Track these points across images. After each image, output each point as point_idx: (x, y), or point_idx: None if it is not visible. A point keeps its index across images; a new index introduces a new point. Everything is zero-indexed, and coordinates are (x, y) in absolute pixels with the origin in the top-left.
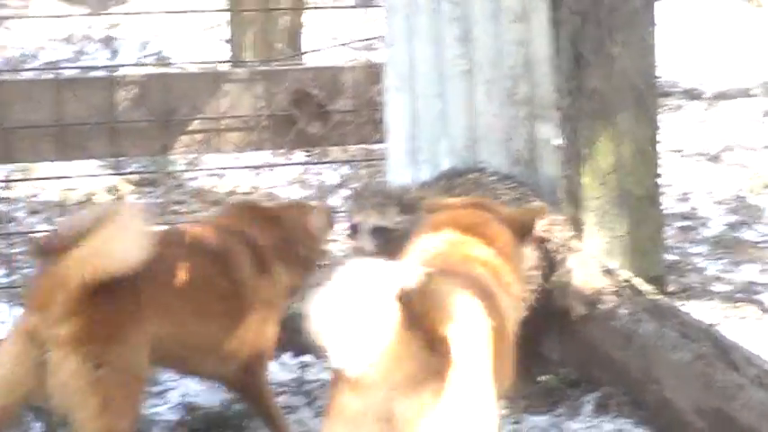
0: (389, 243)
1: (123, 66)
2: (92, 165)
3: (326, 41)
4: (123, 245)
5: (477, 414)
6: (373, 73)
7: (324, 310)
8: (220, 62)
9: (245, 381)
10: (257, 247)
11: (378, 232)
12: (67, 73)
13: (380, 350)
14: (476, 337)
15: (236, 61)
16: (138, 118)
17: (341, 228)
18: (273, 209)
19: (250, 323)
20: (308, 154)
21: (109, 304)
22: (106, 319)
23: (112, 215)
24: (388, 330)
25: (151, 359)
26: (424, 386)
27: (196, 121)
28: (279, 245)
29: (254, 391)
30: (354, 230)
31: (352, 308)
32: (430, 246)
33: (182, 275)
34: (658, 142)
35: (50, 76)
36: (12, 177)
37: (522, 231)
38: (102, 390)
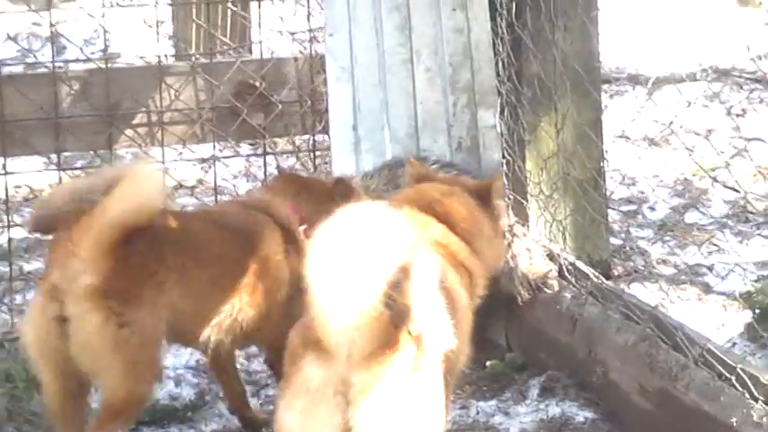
0: None
1: (66, 61)
2: (37, 161)
3: (270, 34)
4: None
5: (428, 392)
6: (316, 63)
7: (327, 252)
8: (164, 56)
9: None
10: (286, 225)
11: None
12: (12, 70)
13: (365, 311)
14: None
15: (179, 54)
16: (81, 113)
17: None
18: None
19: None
20: (253, 146)
21: (132, 265)
22: (129, 277)
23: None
24: (375, 293)
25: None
26: (382, 360)
27: (139, 115)
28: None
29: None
30: None
31: (355, 256)
32: None
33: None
34: (602, 127)
35: None
36: None
37: (483, 197)
38: (125, 352)
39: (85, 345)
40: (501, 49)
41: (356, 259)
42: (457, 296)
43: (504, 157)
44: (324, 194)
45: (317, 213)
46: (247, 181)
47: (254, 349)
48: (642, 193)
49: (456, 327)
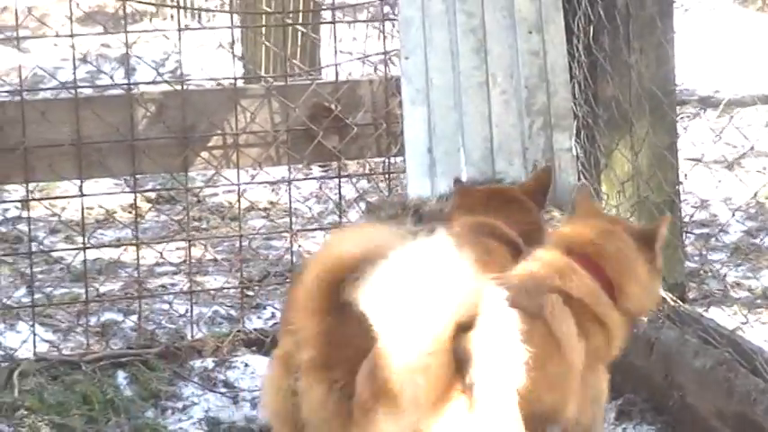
0: None
1: (142, 83)
2: (108, 183)
3: (343, 56)
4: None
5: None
6: (391, 86)
7: (392, 288)
8: (238, 78)
9: None
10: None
11: None
12: (86, 92)
13: (431, 352)
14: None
15: (253, 77)
16: (156, 135)
17: None
18: None
19: None
20: (323, 168)
21: (353, 332)
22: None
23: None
24: (443, 334)
25: None
26: (450, 406)
27: (214, 138)
28: None
29: None
30: None
31: (424, 293)
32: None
33: None
34: (677, 150)
35: (68, 95)
36: (30, 197)
37: (647, 241)
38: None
39: (312, 418)
40: (577, 72)
41: (425, 297)
42: (567, 347)
43: (579, 179)
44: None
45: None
46: (318, 203)
47: None
48: (715, 216)
49: (557, 384)
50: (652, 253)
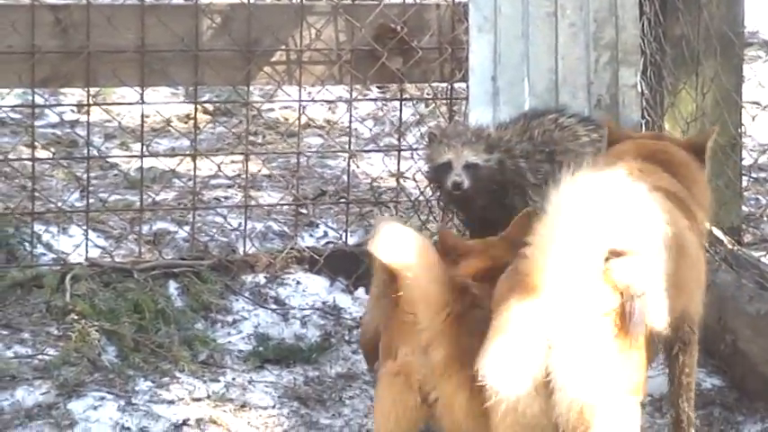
0: (478, 181)
1: None
2: (165, 92)
3: None
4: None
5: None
6: (459, 11)
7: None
8: None
9: None
10: None
11: (470, 169)
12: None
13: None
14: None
15: None
16: (221, 47)
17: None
18: None
19: None
20: (381, 90)
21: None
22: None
23: None
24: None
25: None
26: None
27: (278, 53)
28: None
29: None
30: (445, 168)
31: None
32: None
33: None
34: (741, 92)
35: (135, 1)
36: (91, 102)
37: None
38: None
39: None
40: (648, 9)
41: (587, 224)
42: (686, 244)
43: (643, 117)
44: None
45: None
46: (375, 124)
47: None
48: None
49: (682, 276)
50: (702, 161)
